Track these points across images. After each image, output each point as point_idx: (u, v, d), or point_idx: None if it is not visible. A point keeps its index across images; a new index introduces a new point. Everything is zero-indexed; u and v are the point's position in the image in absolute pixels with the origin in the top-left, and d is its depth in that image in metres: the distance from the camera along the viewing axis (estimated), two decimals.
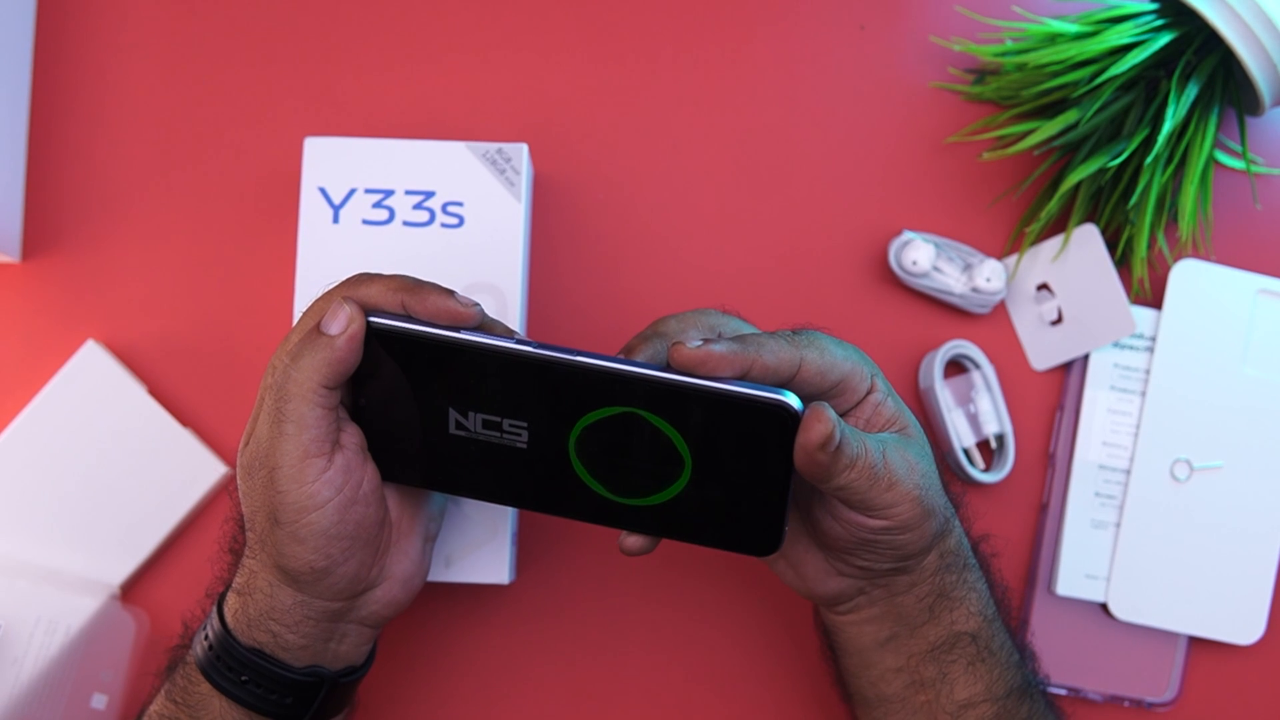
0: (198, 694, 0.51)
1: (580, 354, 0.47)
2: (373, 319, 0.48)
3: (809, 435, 0.45)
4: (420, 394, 0.49)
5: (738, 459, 0.47)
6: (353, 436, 0.50)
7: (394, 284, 0.48)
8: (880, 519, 0.49)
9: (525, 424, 0.48)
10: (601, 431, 0.48)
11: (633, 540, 0.50)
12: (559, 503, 0.50)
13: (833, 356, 0.49)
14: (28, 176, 0.66)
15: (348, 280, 0.49)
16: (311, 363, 0.47)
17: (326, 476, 0.48)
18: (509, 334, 0.49)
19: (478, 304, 0.48)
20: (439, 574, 0.58)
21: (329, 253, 0.59)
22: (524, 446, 0.49)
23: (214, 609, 0.52)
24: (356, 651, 0.53)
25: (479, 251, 0.59)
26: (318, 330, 0.47)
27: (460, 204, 0.59)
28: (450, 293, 0.48)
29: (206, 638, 0.51)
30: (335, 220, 0.59)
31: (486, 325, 0.49)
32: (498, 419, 0.48)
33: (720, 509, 0.49)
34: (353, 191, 0.59)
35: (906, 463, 0.49)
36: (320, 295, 0.50)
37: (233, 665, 0.50)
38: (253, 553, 0.50)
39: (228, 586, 0.52)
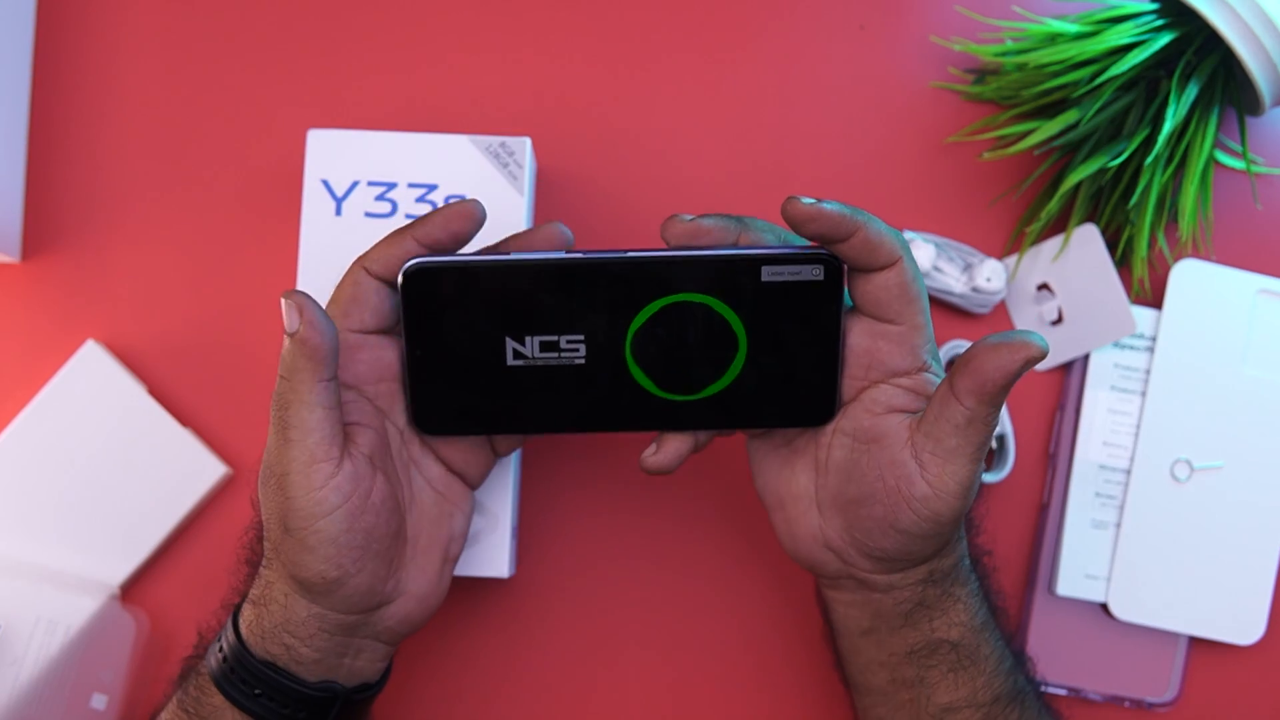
0: (210, 705, 0.51)
1: (624, 252, 0.48)
2: (419, 261, 0.48)
3: (1031, 350, 0.47)
4: (474, 328, 0.49)
5: (789, 323, 0.49)
6: (363, 445, 0.49)
7: (394, 236, 0.49)
8: (929, 484, 0.49)
9: (582, 337, 0.49)
10: (656, 327, 0.49)
11: (656, 459, 0.51)
12: (621, 417, 0.51)
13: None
14: (28, 176, 0.66)
15: (355, 261, 0.50)
16: (293, 366, 0.47)
17: (334, 483, 0.47)
18: (547, 235, 0.51)
19: (475, 199, 0.50)
20: None
21: (331, 245, 0.59)
22: (582, 362, 0.50)
23: (229, 620, 0.52)
24: (371, 668, 0.53)
25: (481, 244, 0.59)
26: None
27: (463, 197, 0.59)
28: (446, 205, 0.49)
29: (221, 649, 0.51)
30: (338, 213, 0.59)
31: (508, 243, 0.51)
32: (555, 338, 0.49)
33: (776, 384, 0.50)
34: (355, 184, 0.59)
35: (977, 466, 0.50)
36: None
37: (246, 678, 0.50)
38: (269, 563, 0.50)
39: (243, 598, 0.52)
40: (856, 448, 0.51)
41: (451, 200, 0.59)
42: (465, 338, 0.49)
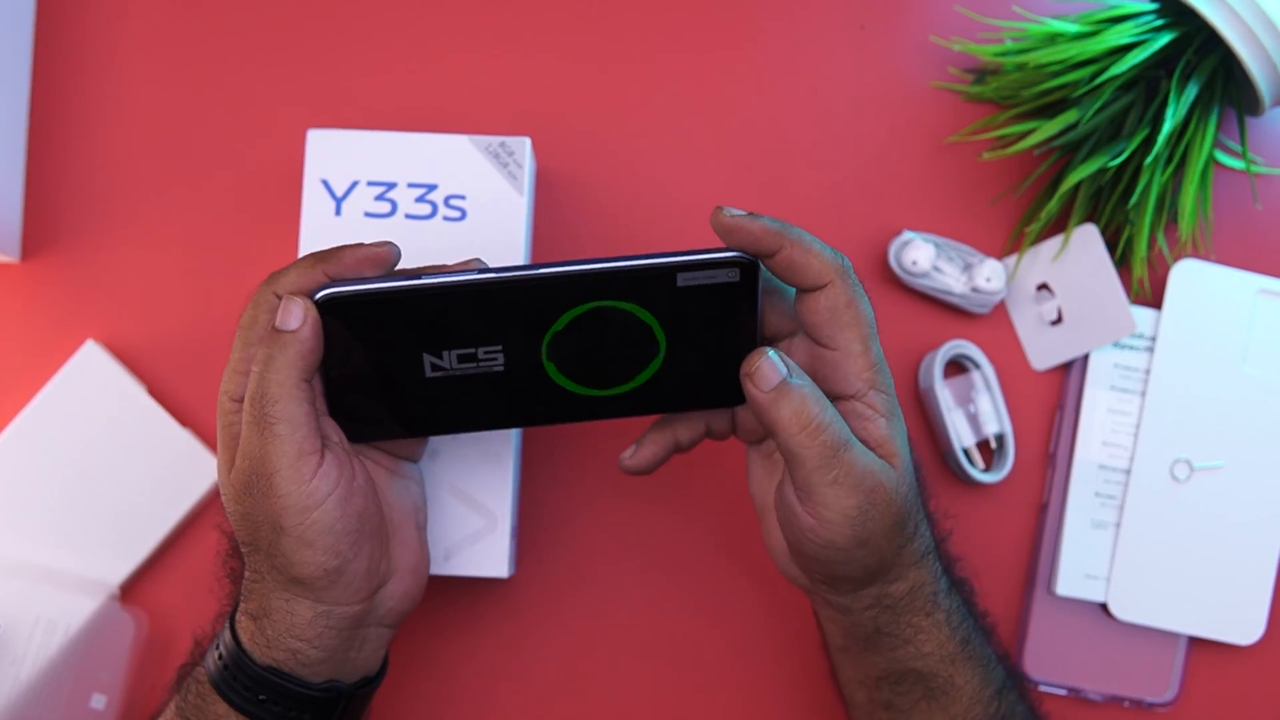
0: (214, 713, 0.51)
1: (540, 266, 0.48)
2: (331, 291, 0.48)
3: (751, 369, 0.48)
4: (391, 349, 0.49)
5: (707, 320, 0.50)
6: (334, 432, 0.50)
7: (306, 264, 0.49)
8: (811, 516, 0.49)
9: (499, 347, 0.49)
10: (575, 332, 0.49)
11: (634, 460, 0.53)
12: (542, 412, 0.52)
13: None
14: (28, 176, 0.66)
15: (263, 284, 0.49)
16: (285, 360, 0.47)
17: (322, 471, 0.48)
18: (464, 266, 0.50)
19: (389, 240, 0.49)
20: (438, 567, 0.58)
21: (331, 245, 0.59)
22: (501, 369, 0.50)
23: (227, 629, 0.51)
24: (373, 658, 0.53)
25: (481, 245, 0.59)
26: (276, 332, 0.47)
27: (463, 197, 0.59)
28: (360, 244, 0.49)
29: (220, 657, 0.51)
30: (338, 213, 0.59)
31: (434, 268, 0.50)
32: (472, 350, 0.49)
33: (696, 373, 0.51)
34: (355, 184, 0.59)
35: (869, 479, 0.48)
36: (245, 310, 0.49)
37: (250, 685, 0.50)
38: (259, 576, 0.50)
39: (235, 606, 0.52)
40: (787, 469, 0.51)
41: (436, 190, 0.59)
42: (381, 358, 0.49)
